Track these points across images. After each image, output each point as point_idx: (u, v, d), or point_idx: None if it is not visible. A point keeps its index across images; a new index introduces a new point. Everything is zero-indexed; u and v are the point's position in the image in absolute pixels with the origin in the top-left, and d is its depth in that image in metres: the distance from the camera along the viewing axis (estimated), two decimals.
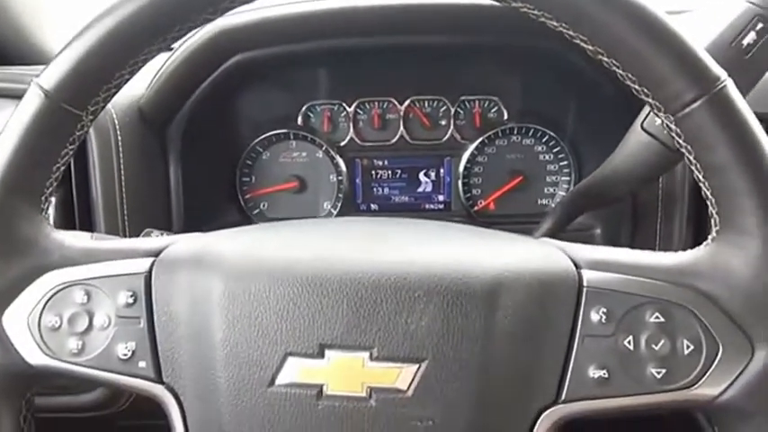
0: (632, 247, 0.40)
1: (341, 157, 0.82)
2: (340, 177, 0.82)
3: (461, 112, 0.81)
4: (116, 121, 0.65)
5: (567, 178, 0.81)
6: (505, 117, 0.80)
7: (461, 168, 0.81)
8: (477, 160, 0.81)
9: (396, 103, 0.81)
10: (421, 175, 0.83)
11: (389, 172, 0.83)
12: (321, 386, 0.36)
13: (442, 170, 0.83)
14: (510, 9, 0.38)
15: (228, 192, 0.83)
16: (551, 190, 0.81)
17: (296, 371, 0.37)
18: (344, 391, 0.36)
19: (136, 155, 0.67)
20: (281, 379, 0.37)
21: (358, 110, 0.82)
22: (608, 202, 0.61)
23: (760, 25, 0.47)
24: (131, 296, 0.40)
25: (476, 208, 0.82)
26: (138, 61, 0.41)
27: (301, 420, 0.36)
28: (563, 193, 0.80)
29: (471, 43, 0.73)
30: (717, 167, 0.35)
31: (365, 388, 0.36)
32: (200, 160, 0.76)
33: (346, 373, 0.36)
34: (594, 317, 0.36)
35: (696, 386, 0.35)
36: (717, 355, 0.35)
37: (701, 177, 0.36)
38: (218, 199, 0.82)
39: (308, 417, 0.36)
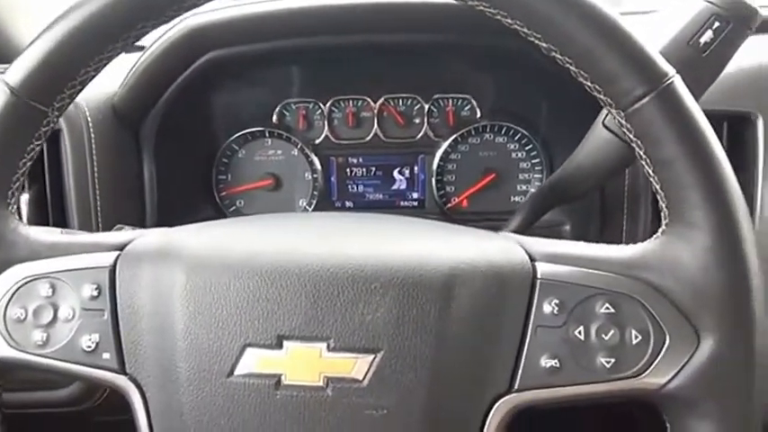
0: (601, 241, 0.41)
1: (316, 155, 0.83)
2: (315, 175, 0.83)
3: (435, 110, 0.82)
4: (89, 119, 0.65)
5: (540, 175, 0.82)
6: (478, 115, 0.81)
7: (435, 166, 0.82)
8: (451, 158, 0.82)
9: (370, 101, 0.82)
10: (395, 173, 0.84)
11: (364, 170, 0.84)
12: (279, 376, 0.37)
13: (416, 168, 0.84)
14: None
15: (204, 189, 0.83)
16: (524, 187, 0.83)
17: (254, 361, 0.38)
18: (302, 381, 0.37)
19: (109, 152, 0.68)
20: (240, 369, 0.38)
21: (333, 108, 0.82)
22: (574, 197, 0.63)
23: (716, 24, 0.48)
24: (96, 289, 0.41)
25: (449, 205, 0.83)
26: (102, 58, 0.41)
27: (259, 409, 0.37)
28: (535, 190, 0.82)
29: (444, 42, 0.74)
30: (665, 162, 0.36)
31: (322, 378, 0.37)
32: (175, 158, 0.77)
33: (304, 364, 0.37)
34: (547, 308, 0.37)
35: (644, 375, 0.36)
36: (664, 344, 0.36)
37: (650, 172, 0.38)
38: (193, 196, 0.82)
39: (266, 406, 0.37)
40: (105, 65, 0.42)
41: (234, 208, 0.84)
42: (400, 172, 0.84)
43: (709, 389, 0.36)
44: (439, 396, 0.37)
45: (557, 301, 0.37)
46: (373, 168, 0.84)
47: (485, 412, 0.37)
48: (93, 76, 0.43)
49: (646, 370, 0.36)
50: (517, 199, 0.83)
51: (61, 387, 0.67)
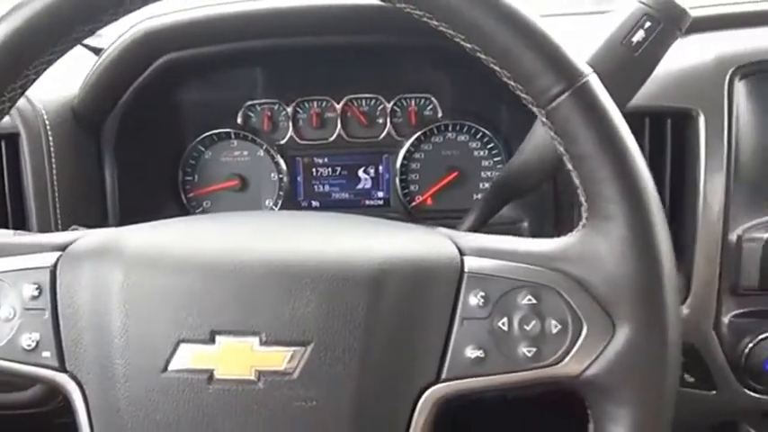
0: (556, 236, 0.42)
1: (281, 155, 0.83)
2: (281, 175, 0.84)
3: (398, 110, 0.83)
4: (47, 122, 0.66)
5: None
6: (440, 115, 0.82)
7: (398, 165, 0.83)
8: (414, 157, 0.83)
9: (333, 102, 0.83)
10: (360, 172, 0.85)
11: (329, 169, 0.85)
12: (212, 371, 0.38)
13: (380, 167, 0.85)
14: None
15: (171, 190, 0.84)
16: (486, 185, 0.83)
17: (188, 357, 0.38)
18: (234, 375, 0.38)
19: (69, 154, 0.68)
20: (174, 365, 0.38)
21: (297, 109, 0.83)
22: (524, 192, 0.64)
23: (648, 23, 0.49)
24: (36, 289, 0.42)
25: (414, 204, 0.84)
26: (42, 62, 0.42)
27: (193, 404, 0.38)
28: (488, 188, 0.83)
29: (403, 43, 0.75)
30: (582, 157, 0.37)
31: (254, 371, 0.38)
32: (139, 159, 0.78)
33: (236, 358, 0.38)
34: (473, 300, 0.38)
35: (562, 363, 0.37)
36: (581, 333, 0.37)
37: (570, 167, 0.39)
38: (159, 198, 0.83)
39: (200, 401, 0.38)
40: (45, 69, 0.42)
41: (200, 209, 0.85)
42: (365, 171, 0.85)
43: (624, 376, 0.37)
44: (367, 387, 0.38)
45: (482, 294, 0.38)
46: (338, 168, 0.85)
47: (413, 403, 0.38)
48: (34, 80, 0.43)
49: (564, 358, 0.37)
50: (480, 196, 0.84)
51: (24, 389, 0.68)
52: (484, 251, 0.40)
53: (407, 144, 0.82)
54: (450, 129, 0.83)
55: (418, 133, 0.82)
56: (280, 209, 0.84)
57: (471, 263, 0.40)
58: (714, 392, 0.63)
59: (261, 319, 0.38)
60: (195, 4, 0.68)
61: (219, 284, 0.39)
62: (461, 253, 0.40)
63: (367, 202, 0.86)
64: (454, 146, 0.83)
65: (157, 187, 0.83)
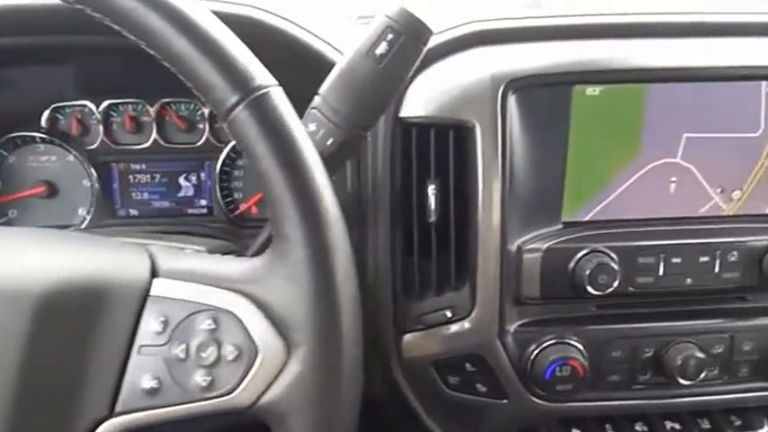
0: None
1: (93, 160, 0.79)
2: (93, 182, 0.79)
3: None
4: None
5: None
6: None
7: (218, 172, 0.79)
8: (237, 164, 0.80)
9: (147, 105, 0.78)
10: (181, 180, 0.81)
11: (148, 176, 0.81)
12: None
13: (202, 174, 0.81)
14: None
15: None
16: None
17: None
18: None
19: None
20: None
21: (111, 112, 0.79)
22: None
23: (390, 36, 0.49)
24: None
25: (237, 212, 0.81)
26: None
27: None
28: None
29: None
30: (263, 175, 0.35)
31: None
32: None
33: None
34: (154, 326, 0.36)
35: (235, 393, 0.35)
36: (255, 361, 0.35)
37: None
38: None
39: None
40: None
41: (5, 218, 0.79)
42: (186, 178, 0.81)
43: (298, 403, 0.35)
44: (23, 421, 0.34)
45: (162, 319, 0.36)
46: (157, 175, 0.81)
47: None
48: None
49: (237, 388, 0.35)
50: None
51: None
52: (177, 272, 0.38)
53: (227, 150, 0.79)
54: None
55: None
56: (92, 217, 0.80)
57: (159, 285, 0.37)
58: (506, 402, 0.64)
59: None
60: None
61: None
62: (155, 274, 0.38)
63: (189, 211, 0.82)
64: None
65: None
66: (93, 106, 0.78)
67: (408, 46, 0.49)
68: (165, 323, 0.36)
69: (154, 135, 0.79)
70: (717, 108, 0.64)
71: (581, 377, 0.61)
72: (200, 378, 0.35)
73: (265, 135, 0.35)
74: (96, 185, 0.79)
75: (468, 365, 0.63)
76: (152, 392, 0.35)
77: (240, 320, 0.35)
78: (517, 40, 0.60)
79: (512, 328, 0.63)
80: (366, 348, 0.68)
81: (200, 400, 0.35)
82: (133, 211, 0.81)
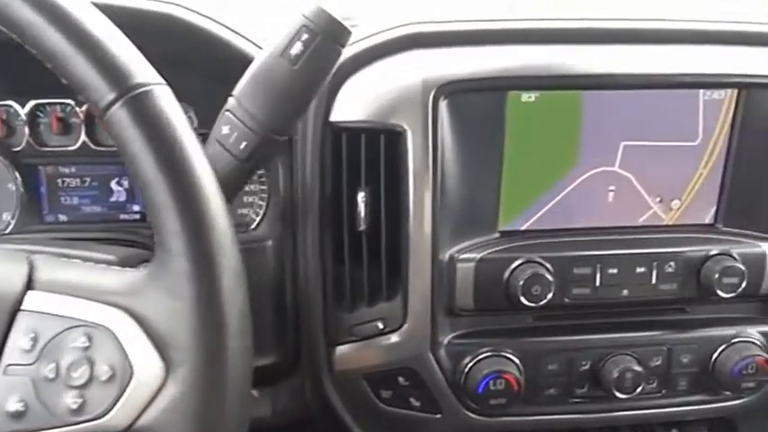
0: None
1: (18, 163, 0.75)
2: (18, 186, 0.75)
3: None
4: None
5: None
6: (195, 124, 0.77)
7: None
8: None
9: (76, 106, 0.75)
10: (113, 184, 0.78)
11: (78, 180, 0.77)
12: None
13: None
14: None
15: None
16: (251, 199, 0.79)
17: None
18: None
19: None
20: None
21: (37, 112, 0.75)
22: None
23: (305, 36, 0.46)
24: None
25: None
26: None
27: None
28: (263, 204, 0.78)
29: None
30: (144, 182, 0.33)
31: None
32: None
33: None
34: (22, 343, 0.33)
35: (108, 416, 0.32)
36: (130, 381, 0.32)
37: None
38: None
39: None
40: None
41: None
42: (118, 183, 0.78)
43: (178, 425, 0.33)
44: None
45: (32, 335, 0.33)
46: (88, 179, 0.77)
47: None
48: None
49: (110, 411, 0.32)
50: (244, 211, 0.79)
51: None
52: (54, 284, 0.35)
53: None
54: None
55: None
56: (18, 222, 0.76)
57: (33, 298, 0.34)
58: (439, 416, 0.62)
59: None
60: None
61: None
62: (30, 286, 0.35)
63: (122, 216, 0.79)
64: None
65: None
66: (18, 107, 0.74)
67: (324, 47, 0.47)
68: (35, 340, 0.33)
69: (83, 137, 0.75)
70: (655, 116, 0.63)
71: (515, 391, 0.59)
72: (69, 400, 0.32)
73: (144, 136, 0.32)
74: (21, 189, 0.75)
75: (400, 379, 0.61)
76: (17, 416, 0.32)
77: (116, 337, 0.33)
78: (452, 43, 0.58)
79: (445, 340, 0.61)
80: (301, 359, 0.65)
81: (69, 425, 0.32)
82: (62, 217, 0.78)
